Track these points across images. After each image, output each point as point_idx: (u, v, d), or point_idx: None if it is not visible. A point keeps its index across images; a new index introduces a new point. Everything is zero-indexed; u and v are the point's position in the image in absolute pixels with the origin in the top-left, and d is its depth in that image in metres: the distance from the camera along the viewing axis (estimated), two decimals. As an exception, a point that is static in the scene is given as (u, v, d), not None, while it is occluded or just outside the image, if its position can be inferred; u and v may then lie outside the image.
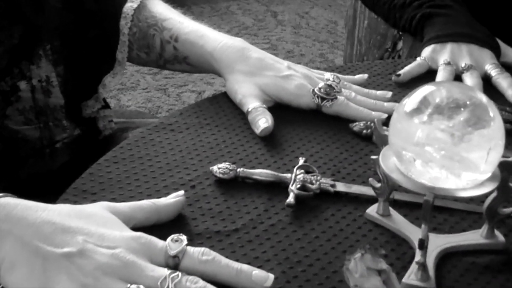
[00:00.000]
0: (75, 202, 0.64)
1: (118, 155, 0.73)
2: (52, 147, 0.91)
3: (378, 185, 0.63)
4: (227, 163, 0.70)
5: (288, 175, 0.69)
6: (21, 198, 0.57)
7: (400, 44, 1.44)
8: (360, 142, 0.78)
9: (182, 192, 0.64)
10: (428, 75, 0.94)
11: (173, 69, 0.96)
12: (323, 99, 0.81)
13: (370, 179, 0.64)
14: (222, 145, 0.75)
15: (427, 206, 0.53)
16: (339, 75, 0.88)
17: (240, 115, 0.81)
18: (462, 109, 0.54)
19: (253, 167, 0.72)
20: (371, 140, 0.78)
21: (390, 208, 0.64)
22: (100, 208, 0.59)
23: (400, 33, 1.42)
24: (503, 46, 0.98)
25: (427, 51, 0.97)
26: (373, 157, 0.63)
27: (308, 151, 0.75)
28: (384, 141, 0.61)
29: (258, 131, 0.77)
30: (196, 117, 0.81)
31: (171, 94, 2.04)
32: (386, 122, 0.79)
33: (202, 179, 0.69)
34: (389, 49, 1.46)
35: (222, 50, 0.86)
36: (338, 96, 0.82)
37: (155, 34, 0.91)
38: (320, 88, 0.82)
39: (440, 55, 0.95)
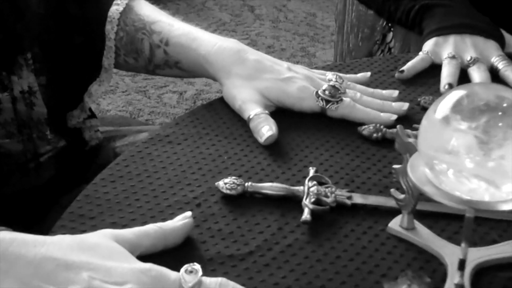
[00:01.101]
0: (72, 229, 0.59)
1: (115, 173, 0.67)
2: (37, 161, 0.85)
3: (402, 196, 0.59)
4: (233, 177, 0.65)
5: (300, 188, 0.64)
6: (16, 232, 0.52)
7: (389, 36, 1.40)
8: (371, 146, 0.73)
9: (189, 213, 0.59)
10: (432, 70, 0.90)
11: (163, 75, 0.91)
12: (327, 101, 0.76)
13: (392, 190, 0.60)
14: (224, 157, 0.70)
15: (469, 223, 0.48)
16: (341, 75, 0.83)
17: (240, 122, 0.76)
18: (499, 113, 0.49)
19: (260, 180, 0.66)
20: (382, 144, 0.73)
21: (414, 221, 0.60)
22: (103, 237, 0.53)
23: (389, 24, 1.38)
24: (507, 36, 0.94)
25: (429, 45, 0.92)
26: (396, 166, 0.58)
27: (317, 159, 0.70)
28: (409, 149, 0.56)
29: (261, 140, 0.72)
30: (194, 127, 0.76)
31: (151, 96, 1.98)
32: (394, 125, 0.75)
33: (208, 196, 0.64)
34: (378, 42, 1.41)
35: (217, 53, 0.80)
36: (344, 98, 0.77)
37: (143, 38, 0.85)
38: (324, 90, 0.77)
39: (443, 48, 0.91)
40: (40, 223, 0.86)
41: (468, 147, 0.50)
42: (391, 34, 1.39)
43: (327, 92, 0.77)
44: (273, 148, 0.72)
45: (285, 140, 0.73)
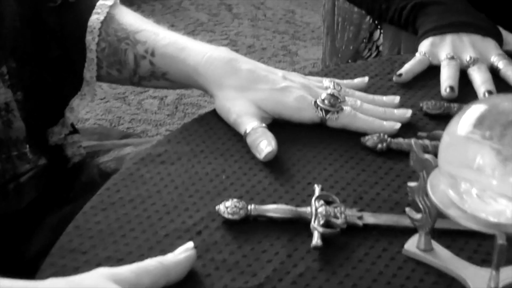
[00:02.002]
0: (63, 266, 0.54)
1: (105, 200, 0.62)
2: (16, 182, 0.80)
3: (418, 216, 0.55)
4: (235, 200, 0.60)
5: (307, 209, 0.60)
6: (5, 278, 0.47)
7: (376, 34, 1.36)
8: (376, 158, 0.69)
9: (191, 244, 0.54)
10: (430, 71, 0.86)
11: (149, 86, 0.86)
12: (327, 111, 0.72)
13: (407, 209, 0.56)
14: (223, 176, 0.66)
15: (501, 250, 0.44)
16: (339, 81, 0.79)
17: (236, 136, 0.72)
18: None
19: (263, 201, 0.62)
20: (387, 155, 0.69)
21: (432, 241, 0.56)
22: (100, 278, 0.49)
23: (376, 22, 1.35)
24: (504, 33, 0.90)
25: (425, 45, 0.88)
26: (411, 184, 0.54)
27: (320, 175, 0.66)
28: (425, 166, 0.52)
29: (261, 156, 0.67)
30: (187, 144, 0.71)
31: (131, 103, 1.92)
32: (398, 133, 0.72)
33: (208, 221, 0.60)
34: (365, 40, 1.38)
35: (207, 64, 0.76)
36: (344, 107, 0.73)
37: (127, 48, 0.80)
38: (323, 100, 0.73)
39: (440, 48, 0.87)
40: (25, 244, 0.82)
41: (493, 164, 0.46)
42: (378, 32, 1.36)
43: (326, 102, 0.73)
44: (273, 164, 0.67)
45: (285, 155, 0.69)
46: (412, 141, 0.53)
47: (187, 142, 0.71)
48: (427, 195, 0.53)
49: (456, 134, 0.48)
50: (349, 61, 1.40)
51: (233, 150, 0.70)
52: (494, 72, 0.84)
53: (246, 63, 0.75)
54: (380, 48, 1.33)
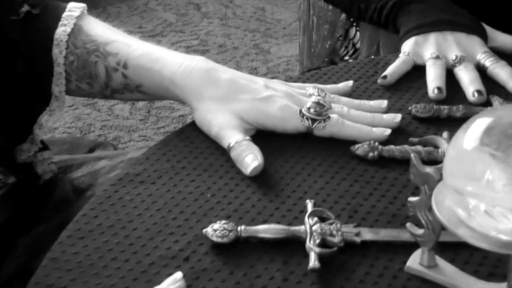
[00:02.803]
0: (41, 305, 0.50)
1: (83, 227, 0.58)
2: (-15, 203, 0.75)
3: (420, 231, 0.52)
4: (223, 221, 0.57)
5: (301, 227, 0.56)
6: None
7: (352, 32, 1.33)
8: (368, 167, 0.66)
9: (179, 275, 0.50)
10: (415, 72, 0.83)
11: (123, 99, 0.82)
12: (314, 120, 0.69)
13: (408, 224, 0.52)
14: (207, 195, 0.62)
15: (519, 272, 0.41)
16: (322, 86, 0.75)
17: (219, 150, 0.68)
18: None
19: (253, 220, 0.58)
20: (379, 163, 0.66)
21: (436, 256, 0.53)
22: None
23: (351, 19, 1.32)
24: (488, 29, 0.88)
25: (408, 45, 0.85)
26: (412, 199, 0.51)
27: (311, 188, 0.63)
28: (427, 180, 0.49)
29: (247, 171, 0.64)
30: (167, 161, 0.67)
31: (101, 109, 1.86)
32: (388, 140, 0.68)
33: (195, 246, 0.56)
34: (340, 38, 1.35)
35: (184, 74, 0.71)
36: (330, 115, 0.69)
37: (97, 61, 0.75)
38: (308, 108, 0.69)
39: (424, 48, 0.84)
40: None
41: (503, 178, 0.43)
42: (353, 29, 1.33)
43: (312, 110, 0.69)
44: (261, 179, 0.64)
45: (272, 168, 0.65)
46: (412, 155, 0.49)
47: (167, 159, 0.67)
48: (429, 210, 0.50)
49: (463, 148, 0.45)
50: (326, 59, 1.37)
51: (217, 165, 0.66)
52: (481, 70, 0.82)
53: (225, 73, 0.72)
54: (357, 45, 1.30)
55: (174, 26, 2.23)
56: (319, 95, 0.72)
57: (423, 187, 0.50)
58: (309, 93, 0.73)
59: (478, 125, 0.45)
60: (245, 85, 0.71)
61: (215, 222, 0.57)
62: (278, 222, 0.58)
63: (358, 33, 1.28)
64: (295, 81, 0.80)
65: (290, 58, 2.10)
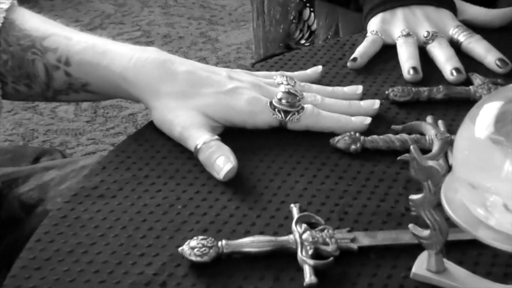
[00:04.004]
0: None
1: (38, 255, 0.50)
2: None
3: (426, 233, 0.46)
4: (200, 237, 0.50)
5: (290, 237, 0.50)
6: None
7: (306, 13, 1.27)
8: (351, 161, 0.60)
9: None
10: (385, 52, 0.77)
11: (68, 101, 0.73)
12: (286, 112, 0.62)
13: (411, 226, 0.46)
14: (178, 206, 0.55)
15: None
16: (289, 74, 0.69)
17: (184, 153, 0.61)
18: None
19: (233, 232, 0.52)
20: (363, 156, 0.60)
21: (443, 260, 0.47)
22: None
23: (304, 0, 1.25)
24: (457, 1, 0.83)
25: (375, 23, 0.80)
26: (414, 197, 0.45)
27: (293, 190, 0.56)
28: (431, 174, 0.43)
29: (220, 176, 0.57)
30: (127, 169, 0.59)
31: (43, 112, 1.75)
32: (369, 130, 0.63)
33: (171, 268, 0.49)
34: (294, 21, 1.29)
35: (136, 69, 0.64)
36: (305, 105, 0.63)
37: (35, 59, 0.67)
38: (279, 99, 0.63)
39: (393, 25, 0.79)
40: None
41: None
42: (307, 10, 1.27)
43: (283, 101, 0.63)
44: (236, 183, 0.57)
45: (246, 169, 0.58)
46: (412, 147, 0.44)
47: (127, 167, 0.59)
48: (435, 208, 0.44)
49: (475, 137, 0.39)
50: (280, 44, 1.30)
51: (184, 171, 0.59)
52: (455, 45, 0.77)
53: (183, 64, 0.64)
54: (313, 28, 1.25)
55: (113, 17, 2.13)
56: (288, 84, 0.66)
57: (426, 182, 0.44)
58: (277, 82, 0.66)
59: (488, 111, 0.39)
60: (207, 77, 0.64)
61: (191, 238, 0.50)
62: (262, 232, 0.51)
63: (312, 14, 1.22)
64: (258, 70, 0.74)
65: (240, 45, 2.03)
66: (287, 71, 0.73)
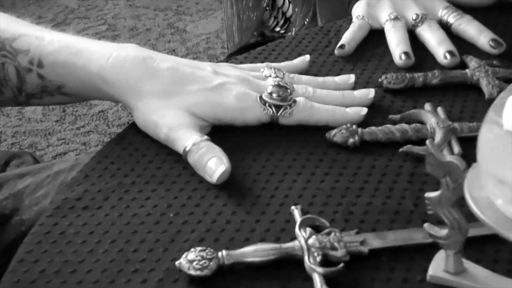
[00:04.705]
0: None
1: (22, 278, 0.46)
2: None
3: (444, 232, 0.43)
4: (198, 248, 0.46)
5: (295, 243, 0.46)
6: None
7: (280, 0, 1.23)
8: (351, 156, 0.56)
9: None
10: (372, 37, 0.74)
11: (41, 104, 0.69)
12: (278, 107, 0.59)
13: (427, 225, 0.43)
14: (170, 214, 0.51)
15: None
16: (276, 64, 0.66)
17: (172, 155, 0.57)
18: None
19: (232, 240, 0.48)
20: (362, 150, 0.57)
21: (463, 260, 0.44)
22: None
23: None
24: (442, -18, 0.80)
25: (360, 7, 0.76)
26: (431, 195, 0.42)
27: (292, 190, 0.53)
28: (450, 170, 0.40)
29: (213, 179, 0.53)
30: (111, 176, 0.55)
31: (10, 113, 1.67)
32: (366, 121, 0.59)
33: (169, 284, 0.45)
34: (268, 8, 1.25)
35: (115, 68, 0.60)
36: (297, 99, 0.59)
37: (5, 62, 0.62)
38: (270, 93, 0.59)
39: (379, 9, 0.75)
40: None
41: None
42: (282, -3, 1.23)
43: (274, 95, 0.59)
44: (230, 186, 0.53)
45: (240, 170, 0.55)
46: (427, 141, 0.40)
47: (111, 174, 0.55)
48: (453, 206, 0.41)
49: (503, 130, 0.36)
50: (255, 33, 1.26)
51: (173, 175, 0.55)
52: (445, 27, 0.74)
53: (165, 61, 0.60)
54: (287, 14, 1.21)
55: (77, 12, 2.06)
56: (277, 76, 0.62)
57: (444, 179, 0.41)
58: (265, 74, 0.63)
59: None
60: (191, 74, 0.60)
61: (187, 249, 0.46)
62: (263, 239, 0.48)
63: (287, 0, 1.18)
64: (241, 62, 0.70)
65: (209, 35, 1.97)
66: (272, 62, 0.70)
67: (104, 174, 0.55)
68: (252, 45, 1.20)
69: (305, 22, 1.14)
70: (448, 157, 0.40)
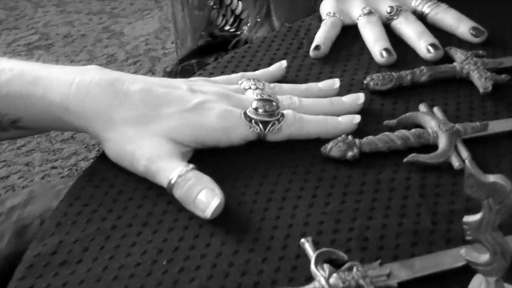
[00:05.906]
0: None
1: None
2: None
3: (485, 258, 0.38)
4: (206, 301, 0.40)
5: (315, 284, 0.41)
6: None
7: (227, -3, 1.17)
8: (351, 171, 0.51)
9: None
10: (345, 33, 0.69)
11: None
12: (265, 123, 0.53)
13: (464, 251, 0.39)
14: (163, 262, 0.44)
15: None
16: (252, 74, 0.60)
17: (153, 190, 0.50)
18: None
19: (239, 287, 0.42)
20: (363, 163, 0.52)
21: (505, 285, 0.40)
22: None
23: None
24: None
25: (329, 4, 0.71)
26: (469, 219, 0.37)
27: (295, 218, 0.47)
28: (494, 191, 0.35)
29: (206, 214, 0.47)
30: (88, 221, 0.48)
31: None
32: (360, 130, 0.55)
33: None
34: (215, 6, 1.18)
35: (79, 95, 0.53)
36: (284, 112, 0.54)
37: None
38: (255, 109, 0.53)
39: (350, 4, 0.70)
40: None
41: None
42: (229, -7, 1.17)
43: (260, 111, 0.53)
44: (225, 220, 0.47)
45: (233, 200, 0.49)
46: (466, 161, 0.35)
47: (87, 219, 0.48)
48: (496, 230, 0.37)
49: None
50: (203, 33, 1.20)
51: (158, 213, 0.48)
52: (420, 18, 0.70)
53: (135, 82, 0.54)
54: (236, 12, 1.15)
55: (6, 23, 1.93)
56: (257, 88, 0.57)
57: (486, 201, 0.36)
58: (243, 87, 0.57)
59: None
60: (166, 94, 0.53)
61: (192, 305, 0.40)
62: (274, 282, 0.42)
63: (237, -2, 1.12)
64: (211, 73, 0.64)
65: (148, 36, 1.89)
66: (244, 69, 0.64)
67: (78, 220, 0.48)
68: (204, 47, 1.14)
69: (258, 20, 1.08)
70: (491, 177, 0.35)
